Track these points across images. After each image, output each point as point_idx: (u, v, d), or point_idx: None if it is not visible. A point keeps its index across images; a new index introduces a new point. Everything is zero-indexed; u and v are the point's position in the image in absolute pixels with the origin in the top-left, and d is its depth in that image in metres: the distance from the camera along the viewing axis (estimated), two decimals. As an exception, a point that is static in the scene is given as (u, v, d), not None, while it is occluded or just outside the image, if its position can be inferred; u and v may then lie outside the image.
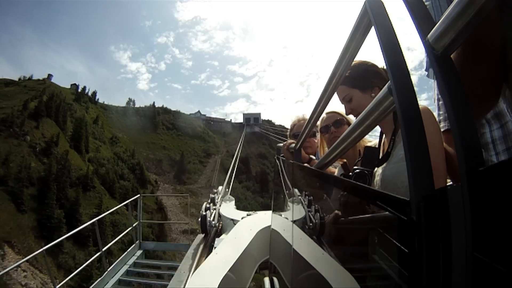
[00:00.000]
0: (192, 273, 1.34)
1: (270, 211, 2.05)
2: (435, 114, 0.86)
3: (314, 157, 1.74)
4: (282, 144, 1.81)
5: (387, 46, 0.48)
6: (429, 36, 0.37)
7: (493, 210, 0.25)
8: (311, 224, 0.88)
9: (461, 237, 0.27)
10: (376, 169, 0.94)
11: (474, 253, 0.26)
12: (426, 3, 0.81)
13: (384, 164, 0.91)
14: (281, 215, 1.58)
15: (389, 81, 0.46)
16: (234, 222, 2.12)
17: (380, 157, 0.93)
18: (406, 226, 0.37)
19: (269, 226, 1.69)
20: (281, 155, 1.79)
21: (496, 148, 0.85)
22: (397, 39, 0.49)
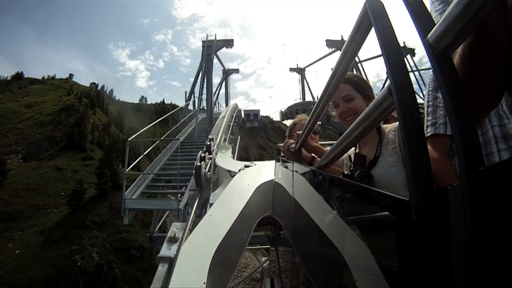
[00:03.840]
0: (185, 238, 1.22)
1: (272, 162, 1.87)
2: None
3: (316, 156, 1.73)
4: (282, 144, 1.80)
5: (387, 46, 0.48)
6: (429, 36, 0.37)
7: (493, 210, 0.25)
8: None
9: (461, 237, 0.27)
10: None
11: (474, 253, 0.26)
12: (438, 7, 0.81)
13: (373, 169, 0.94)
14: (286, 167, 1.42)
15: (389, 82, 0.46)
16: (231, 173, 1.94)
17: (369, 162, 0.96)
18: (405, 226, 0.37)
19: (271, 180, 1.55)
20: (282, 155, 1.78)
21: None
22: (397, 40, 0.49)
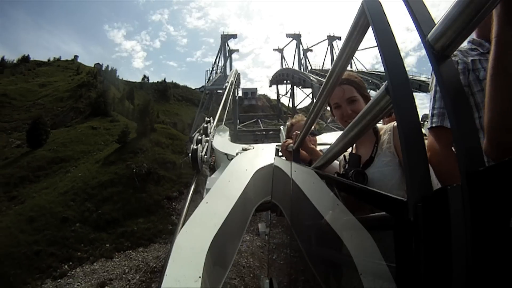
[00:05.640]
0: (181, 227, 1.15)
1: (272, 145, 1.79)
2: (429, 106, 0.82)
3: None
4: (281, 144, 1.80)
5: (385, 46, 0.48)
6: (429, 36, 0.37)
7: (493, 210, 0.25)
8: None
9: (461, 238, 0.27)
10: None
11: (474, 254, 0.26)
12: None
13: (368, 168, 0.95)
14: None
15: (386, 81, 0.46)
16: (228, 157, 1.87)
17: (365, 162, 0.96)
18: (403, 227, 0.37)
19: (270, 164, 1.46)
20: (280, 155, 1.77)
21: None
22: (394, 39, 0.49)
